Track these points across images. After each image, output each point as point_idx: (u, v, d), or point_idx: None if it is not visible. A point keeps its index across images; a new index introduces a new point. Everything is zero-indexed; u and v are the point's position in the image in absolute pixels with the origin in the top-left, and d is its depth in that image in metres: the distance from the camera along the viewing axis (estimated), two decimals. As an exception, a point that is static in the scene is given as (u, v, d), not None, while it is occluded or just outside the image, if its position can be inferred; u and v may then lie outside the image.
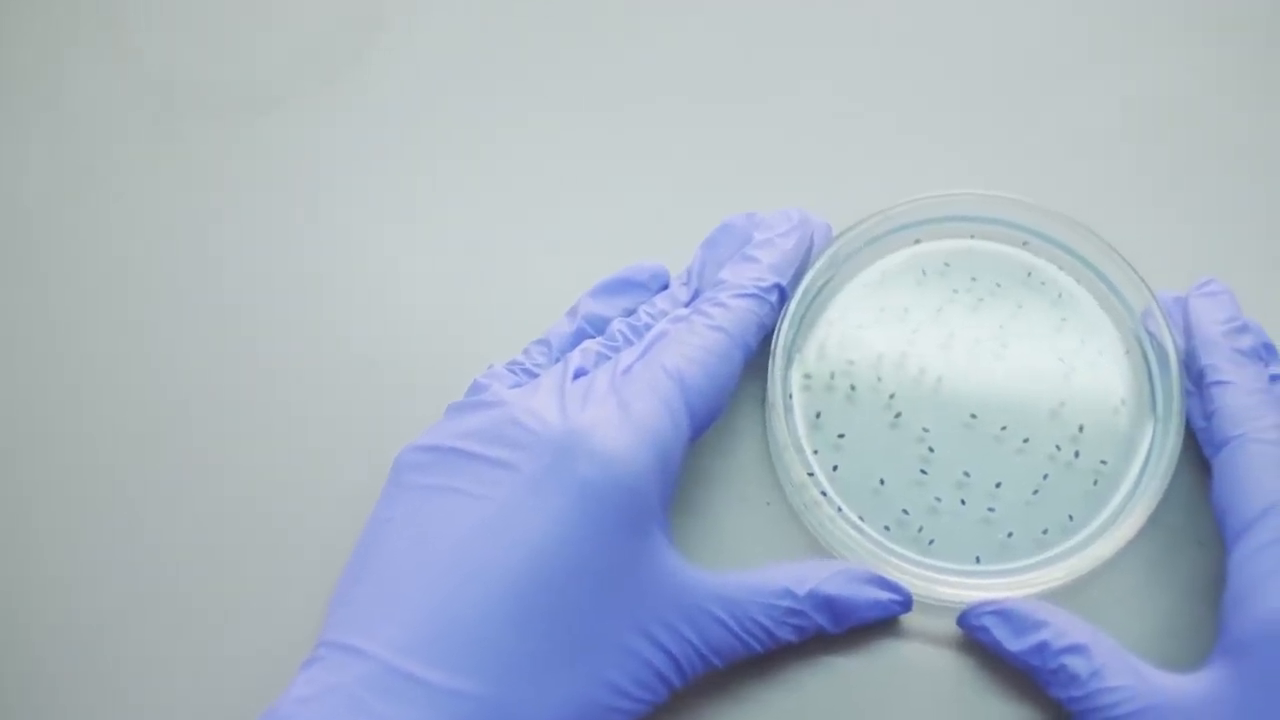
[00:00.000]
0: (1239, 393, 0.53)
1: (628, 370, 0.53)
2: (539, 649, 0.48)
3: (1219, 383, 0.54)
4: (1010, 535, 0.55)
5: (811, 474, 0.56)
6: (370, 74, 0.66)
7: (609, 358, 0.54)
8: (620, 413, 0.51)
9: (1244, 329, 0.55)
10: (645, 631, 0.50)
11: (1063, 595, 0.54)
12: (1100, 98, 0.65)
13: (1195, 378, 0.55)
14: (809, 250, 0.57)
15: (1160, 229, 0.61)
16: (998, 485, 0.55)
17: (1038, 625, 0.52)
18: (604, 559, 0.49)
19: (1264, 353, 0.55)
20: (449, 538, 0.50)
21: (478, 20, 0.67)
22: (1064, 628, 0.51)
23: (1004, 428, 0.56)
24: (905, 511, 0.55)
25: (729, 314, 0.54)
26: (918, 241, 0.60)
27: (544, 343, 0.56)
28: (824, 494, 0.55)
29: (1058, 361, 0.57)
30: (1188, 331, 0.56)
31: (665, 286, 0.58)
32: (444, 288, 0.61)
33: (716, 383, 0.53)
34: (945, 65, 0.65)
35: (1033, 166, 0.63)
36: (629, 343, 0.55)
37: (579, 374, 0.54)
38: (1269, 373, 0.55)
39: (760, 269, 0.55)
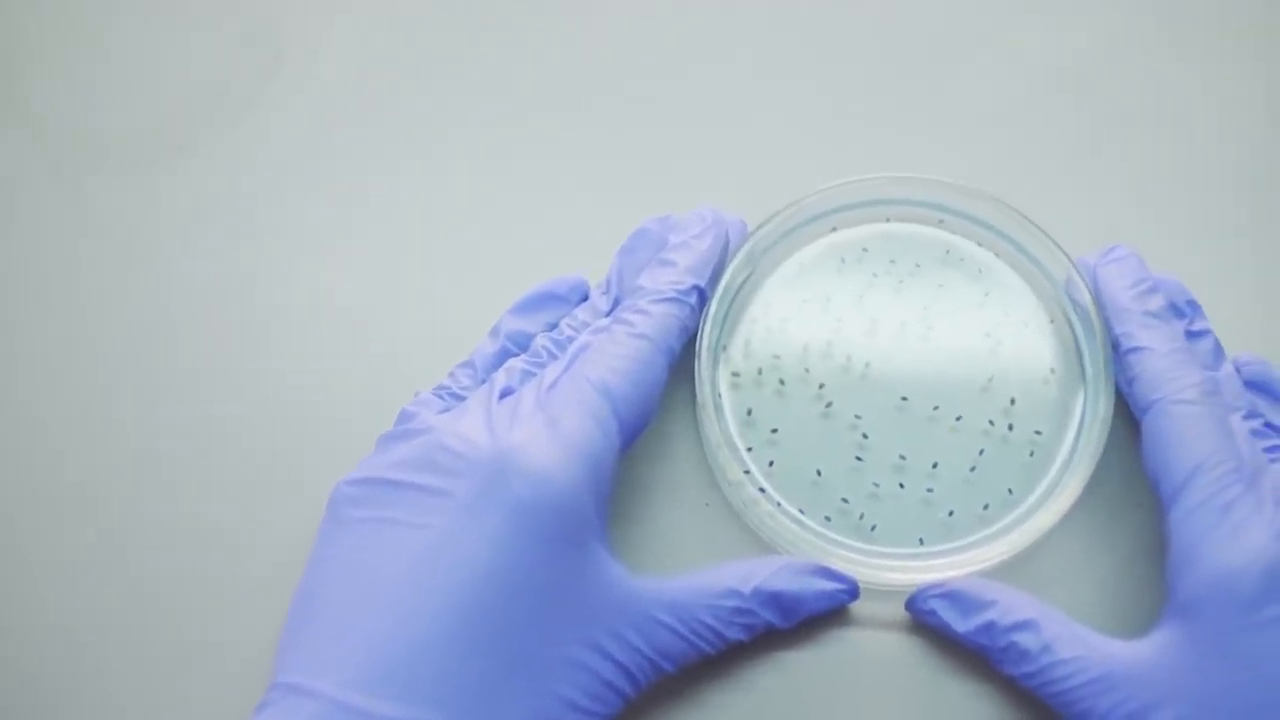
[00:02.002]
0: (1154, 357, 0.53)
1: (553, 386, 0.52)
2: (486, 671, 0.48)
3: (1134, 349, 0.54)
4: (951, 514, 0.55)
5: (748, 471, 0.56)
6: (272, 114, 0.65)
7: (534, 374, 0.54)
8: (548, 429, 0.51)
9: (1153, 290, 0.55)
10: (593, 644, 0.50)
11: (1008, 570, 0.54)
12: (1003, 69, 0.64)
13: (1113, 346, 0.55)
14: (725, 249, 0.57)
15: (1074, 196, 0.61)
16: (935, 465, 0.55)
17: (985, 605, 0.52)
18: (544, 576, 0.49)
19: (1187, 310, 0.55)
20: (389, 569, 0.50)
21: (375, 50, 0.66)
22: (1011, 605, 0.51)
23: (936, 407, 0.56)
24: (845, 500, 0.55)
25: (650, 320, 0.54)
26: (834, 230, 0.59)
27: (469, 365, 0.56)
28: (762, 490, 0.55)
29: (984, 336, 0.57)
30: (1100, 302, 0.56)
31: (586, 297, 0.58)
32: (364, 320, 0.60)
33: (643, 390, 0.53)
34: (841, 48, 0.65)
35: (942, 144, 0.63)
36: (553, 357, 0.55)
37: (505, 393, 0.54)
38: (1186, 329, 0.55)
39: (677, 272, 0.55)
